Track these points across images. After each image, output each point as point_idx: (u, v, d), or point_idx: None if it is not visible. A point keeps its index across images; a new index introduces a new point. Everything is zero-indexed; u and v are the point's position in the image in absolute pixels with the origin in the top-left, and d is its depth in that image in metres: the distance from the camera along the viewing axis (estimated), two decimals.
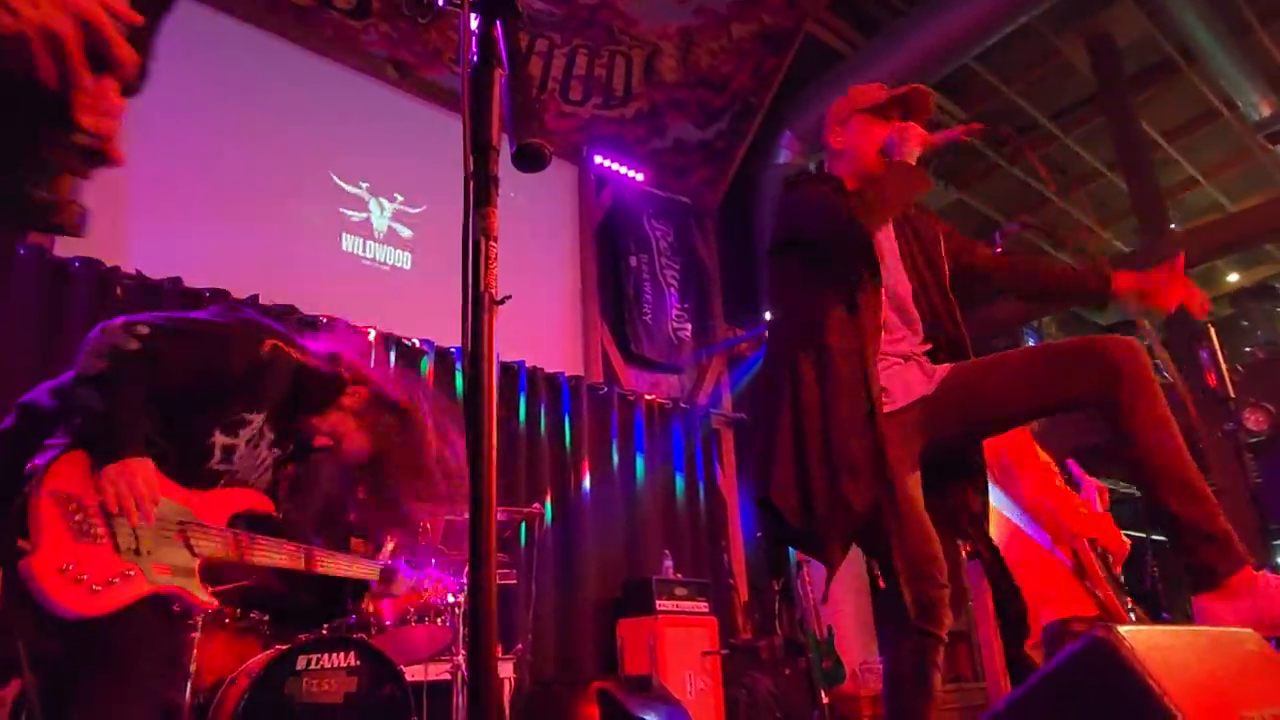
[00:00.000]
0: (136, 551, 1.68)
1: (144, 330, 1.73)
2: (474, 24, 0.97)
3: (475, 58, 0.96)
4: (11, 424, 1.76)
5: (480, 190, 0.90)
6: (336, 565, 2.17)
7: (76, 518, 1.60)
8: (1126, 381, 1.74)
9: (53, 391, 1.76)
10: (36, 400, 1.76)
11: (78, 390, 1.67)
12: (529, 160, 0.90)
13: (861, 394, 1.85)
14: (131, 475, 1.65)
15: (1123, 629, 1.06)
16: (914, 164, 1.98)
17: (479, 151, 0.92)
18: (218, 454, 1.88)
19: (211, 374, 1.81)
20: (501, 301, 0.88)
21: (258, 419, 1.91)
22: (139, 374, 1.69)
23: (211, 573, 1.87)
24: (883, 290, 2.00)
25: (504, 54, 0.95)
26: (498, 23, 0.95)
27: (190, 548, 1.79)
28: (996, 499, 3.36)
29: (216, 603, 1.84)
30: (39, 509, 1.56)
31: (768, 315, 7.24)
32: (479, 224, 0.90)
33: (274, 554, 1.99)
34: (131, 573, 1.66)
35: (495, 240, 0.89)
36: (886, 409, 1.90)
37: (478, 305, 0.87)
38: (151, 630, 1.71)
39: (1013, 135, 2.13)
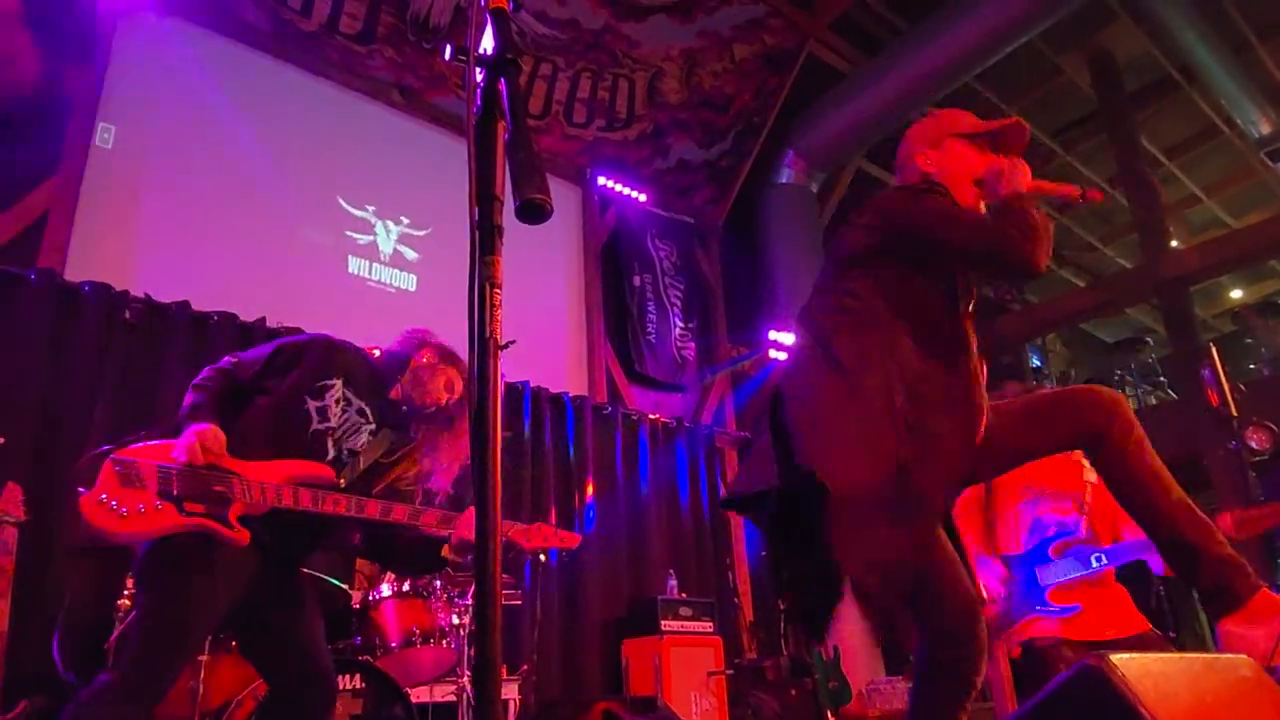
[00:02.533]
0: (174, 496, 2.05)
1: (236, 357, 2.32)
2: (478, 77, 1.01)
3: (479, 110, 1.00)
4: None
5: (485, 239, 0.94)
6: (400, 514, 2.28)
7: (127, 472, 2.03)
8: (1118, 423, 1.79)
9: None
10: None
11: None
12: (530, 214, 0.94)
13: (959, 428, 1.81)
14: (191, 434, 2.05)
15: (1114, 656, 1.08)
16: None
17: (483, 201, 0.96)
18: (314, 416, 2.26)
19: (273, 365, 2.31)
20: (505, 346, 0.92)
21: (337, 383, 2.32)
22: (218, 378, 2.22)
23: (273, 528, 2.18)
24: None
25: (507, 109, 0.99)
26: (501, 79, 1.00)
27: (230, 497, 2.10)
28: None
29: (246, 535, 2.09)
30: (101, 470, 2.03)
31: (771, 332, 7.28)
32: (484, 271, 0.94)
33: (319, 501, 2.21)
34: (160, 506, 2.04)
35: (499, 287, 0.93)
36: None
37: (484, 349, 0.92)
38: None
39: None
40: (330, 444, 2.29)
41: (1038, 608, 3.06)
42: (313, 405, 2.27)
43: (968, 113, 2.09)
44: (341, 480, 2.29)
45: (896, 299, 1.89)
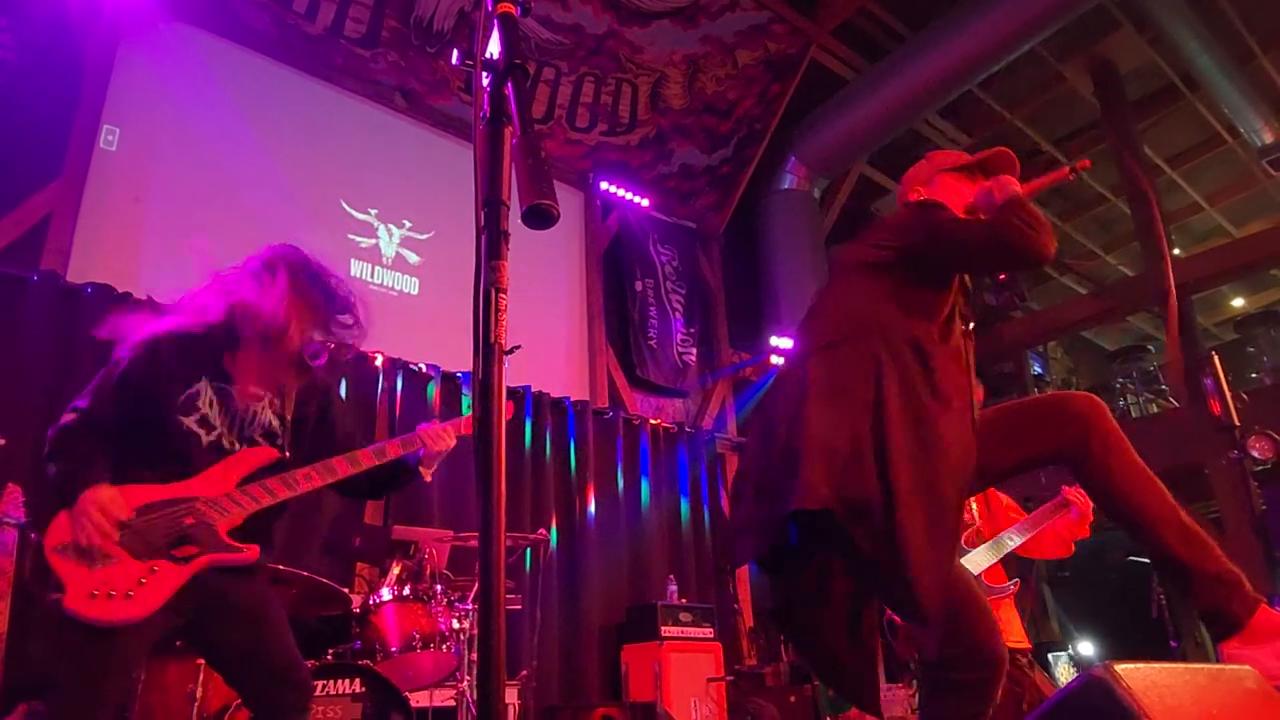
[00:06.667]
0: (155, 550, 1.86)
1: (81, 404, 1.96)
2: (485, 81, 1.01)
3: (486, 114, 1.00)
4: None
5: (491, 244, 0.94)
6: (366, 459, 2.19)
7: (83, 554, 1.80)
8: (1095, 434, 1.74)
9: None
10: None
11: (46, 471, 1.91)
12: (537, 219, 0.93)
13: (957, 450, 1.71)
14: (85, 508, 1.81)
15: (1120, 667, 1.07)
16: None
17: (490, 206, 0.96)
18: (199, 430, 2.02)
19: (130, 395, 1.99)
20: (510, 352, 0.91)
21: (200, 385, 2.04)
22: (80, 432, 1.92)
23: (246, 531, 2.02)
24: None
25: (515, 113, 0.99)
26: (508, 82, 0.99)
27: (206, 522, 1.94)
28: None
29: (256, 550, 2.00)
30: (53, 565, 1.80)
31: (772, 338, 7.27)
32: (490, 277, 0.93)
33: (293, 485, 2.09)
34: (156, 569, 1.85)
35: (505, 292, 0.93)
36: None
37: (488, 354, 0.91)
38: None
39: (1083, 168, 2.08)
40: (236, 442, 2.07)
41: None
42: (189, 422, 2.00)
43: (955, 151, 2.18)
44: (286, 453, 2.13)
45: (895, 310, 1.87)
